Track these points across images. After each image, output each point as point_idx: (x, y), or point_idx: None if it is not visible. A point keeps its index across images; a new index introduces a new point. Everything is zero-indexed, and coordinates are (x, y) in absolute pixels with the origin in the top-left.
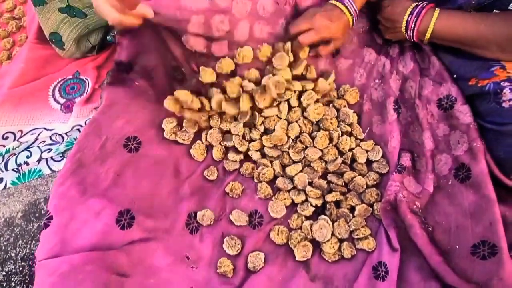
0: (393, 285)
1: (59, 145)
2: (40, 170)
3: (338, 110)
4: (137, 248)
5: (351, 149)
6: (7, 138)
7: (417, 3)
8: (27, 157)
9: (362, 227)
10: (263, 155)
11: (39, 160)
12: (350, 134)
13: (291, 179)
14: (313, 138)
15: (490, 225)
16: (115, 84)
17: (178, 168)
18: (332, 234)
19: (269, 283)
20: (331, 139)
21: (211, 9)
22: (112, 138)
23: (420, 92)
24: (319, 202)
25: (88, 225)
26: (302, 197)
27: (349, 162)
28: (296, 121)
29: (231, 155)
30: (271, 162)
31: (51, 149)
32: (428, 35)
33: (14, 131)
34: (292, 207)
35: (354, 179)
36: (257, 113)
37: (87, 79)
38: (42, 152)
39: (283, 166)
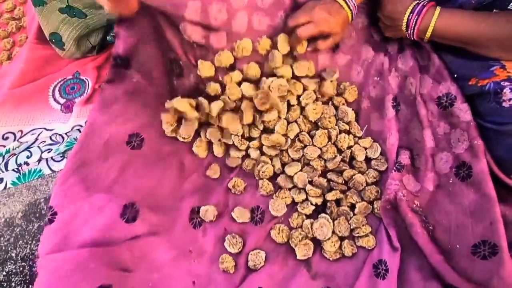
0: (393, 284)
1: (59, 145)
2: (40, 170)
3: (336, 107)
4: (140, 243)
5: (349, 147)
6: (7, 138)
7: (418, 1)
8: (27, 157)
9: (363, 225)
10: (263, 153)
11: (39, 160)
12: (349, 132)
13: (291, 178)
14: (312, 137)
15: (491, 224)
16: (115, 82)
17: (181, 164)
18: (333, 232)
19: (270, 282)
20: (329, 138)
21: None
22: (115, 136)
23: (420, 89)
24: (319, 201)
25: (93, 219)
26: (302, 196)
27: (348, 160)
28: (296, 121)
29: (232, 152)
30: (270, 159)
31: (51, 149)
32: (428, 34)
33: (14, 131)
34: (293, 206)
35: (353, 177)
36: (257, 115)
37: (87, 79)
38: (42, 152)
39: (283, 164)
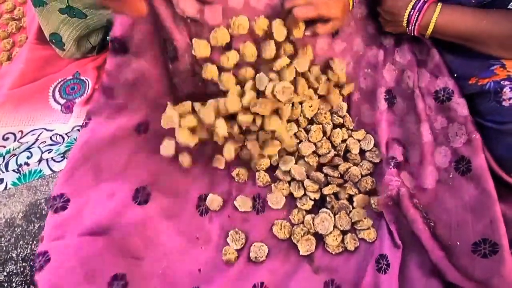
0: (394, 279)
1: (60, 146)
2: (40, 171)
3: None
4: (152, 228)
5: (344, 141)
6: (7, 139)
7: None
8: (28, 157)
9: (365, 218)
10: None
11: (39, 161)
12: (342, 126)
13: (288, 172)
14: (307, 132)
15: (491, 223)
16: (114, 72)
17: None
18: (334, 226)
19: (272, 277)
20: (324, 133)
21: None
22: (122, 125)
23: (418, 83)
24: (317, 196)
25: (106, 204)
26: (301, 192)
27: (342, 153)
28: (297, 120)
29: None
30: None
31: (52, 150)
32: (430, 30)
33: (15, 131)
34: (293, 201)
35: (349, 170)
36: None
37: (87, 80)
38: (42, 153)
39: (280, 156)
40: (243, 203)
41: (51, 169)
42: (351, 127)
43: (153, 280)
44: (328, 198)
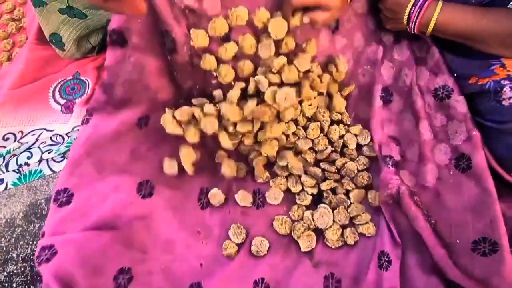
0: (396, 276)
1: (60, 146)
2: (41, 171)
3: (330, 96)
4: (156, 221)
5: (341, 136)
6: (7, 139)
7: None
8: (28, 158)
9: (363, 212)
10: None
11: (39, 161)
12: (340, 122)
13: (286, 166)
14: (305, 129)
15: (491, 222)
16: (114, 67)
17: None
18: (333, 221)
19: (272, 272)
20: (322, 129)
21: None
22: (125, 118)
23: (416, 81)
24: (314, 191)
25: (111, 198)
26: (299, 187)
27: (339, 149)
28: (296, 119)
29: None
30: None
31: (52, 150)
32: (430, 28)
33: (15, 132)
34: (291, 196)
35: (345, 165)
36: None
37: (87, 80)
38: (42, 153)
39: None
40: (243, 197)
41: (51, 169)
42: (348, 123)
43: (157, 274)
44: (325, 194)
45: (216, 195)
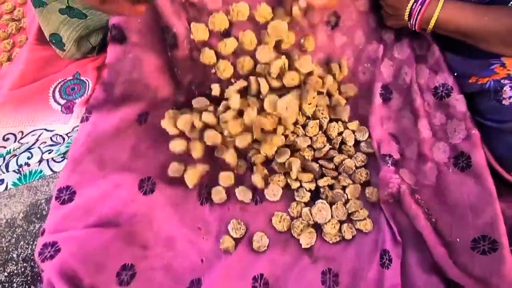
0: (397, 274)
1: (60, 146)
2: (41, 171)
3: (330, 95)
4: (158, 217)
5: (340, 133)
6: (7, 139)
7: None
8: (28, 158)
9: (361, 209)
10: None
11: (40, 161)
12: (339, 119)
13: (284, 164)
14: (304, 127)
15: (491, 220)
16: (115, 64)
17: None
18: (331, 215)
19: (271, 267)
20: (320, 127)
21: None
22: (125, 115)
23: (416, 79)
24: (312, 186)
25: (112, 195)
26: (297, 183)
27: (338, 146)
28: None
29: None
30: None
31: (52, 150)
32: (431, 25)
33: (15, 132)
34: (290, 193)
35: (343, 162)
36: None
37: (87, 80)
38: (43, 153)
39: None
40: (243, 193)
41: (51, 170)
42: (347, 120)
43: (159, 270)
44: (322, 189)
45: (218, 193)
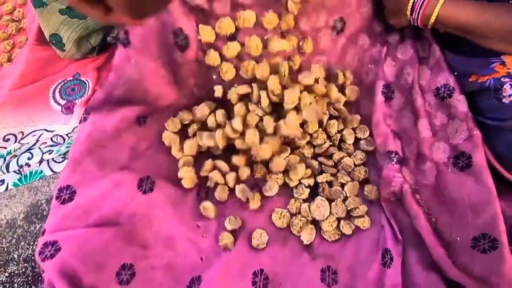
0: (398, 273)
1: (60, 147)
2: (41, 172)
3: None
4: (157, 216)
5: (340, 131)
6: (8, 140)
7: None
8: (29, 158)
9: (360, 205)
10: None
11: (40, 162)
12: (339, 117)
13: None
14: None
15: (491, 219)
16: (121, 66)
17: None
18: (330, 212)
19: (271, 263)
20: (320, 124)
21: None
22: (125, 116)
23: (418, 80)
24: (311, 182)
25: (112, 194)
26: (296, 181)
27: (337, 143)
28: None
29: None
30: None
31: (52, 151)
32: (432, 20)
33: (15, 133)
34: (289, 190)
35: (342, 160)
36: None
37: (87, 81)
38: (43, 154)
39: None
40: (242, 191)
41: (52, 170)
42: (346, 115)
43: (159, 269)
44: (320, 186)
45: (220, 191)
